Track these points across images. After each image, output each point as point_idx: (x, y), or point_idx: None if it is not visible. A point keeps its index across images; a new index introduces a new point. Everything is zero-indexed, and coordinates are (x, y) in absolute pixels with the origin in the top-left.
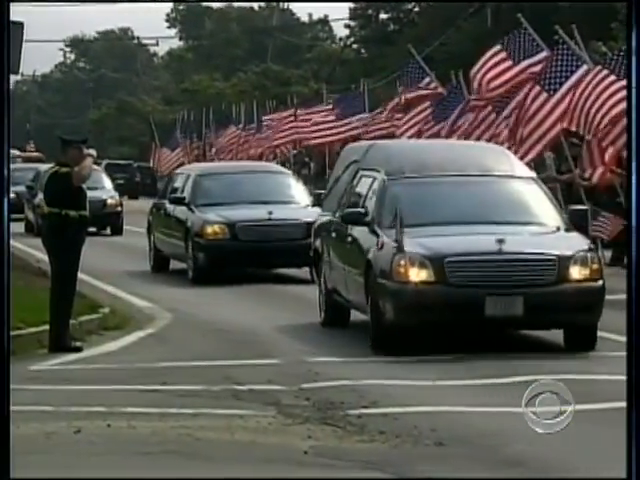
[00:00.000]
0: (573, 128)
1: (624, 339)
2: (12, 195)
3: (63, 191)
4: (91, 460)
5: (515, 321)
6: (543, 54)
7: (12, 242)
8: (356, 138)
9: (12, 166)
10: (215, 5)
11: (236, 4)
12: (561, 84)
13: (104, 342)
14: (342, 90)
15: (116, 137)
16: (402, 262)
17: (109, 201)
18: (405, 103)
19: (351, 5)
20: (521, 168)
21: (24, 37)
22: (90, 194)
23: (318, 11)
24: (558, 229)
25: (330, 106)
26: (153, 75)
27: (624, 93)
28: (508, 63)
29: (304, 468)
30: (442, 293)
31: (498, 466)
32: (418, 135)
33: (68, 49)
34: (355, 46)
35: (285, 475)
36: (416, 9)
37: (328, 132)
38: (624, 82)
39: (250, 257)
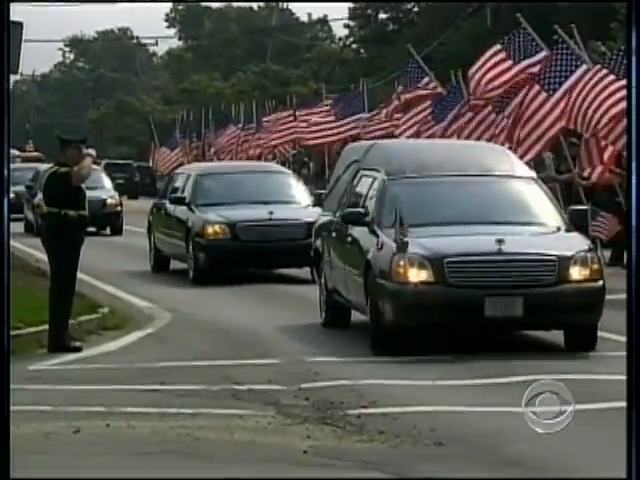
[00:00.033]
0: (571, 126)
1: (624, 339)
2: (11, 195)
3: (62, 191)
4: (90, 460)
5: (515, 322)
6: (542, 54)
7: (12, 242)
8: (355, 138)
9: (11, 166)
10: (214, 5)
11: (235, 4)
12: (560, 84)
13: (103, 342)
14: (341, 90)
15: (115, 137)
16: (401, 262)
17: (109, 201)
18: (404, 103)
19: (350, 5)
20: (522, 168)
21: (23, 37)
22: (90, 194)
23: (317, 11)
24: (558, 229)
25: (328, 106)
26: (152, 75)
27: (623, 93)
28: (507, 63)
29: (303, 468)
30: (441, 294)
31: (497, 466)
32: (417, 135)
33: (67, 49)
34: (354, 46)
35: (284, 475)
36: (415, 9)
37: (327, 132)
38: (623, 82)
39: (251, 257)
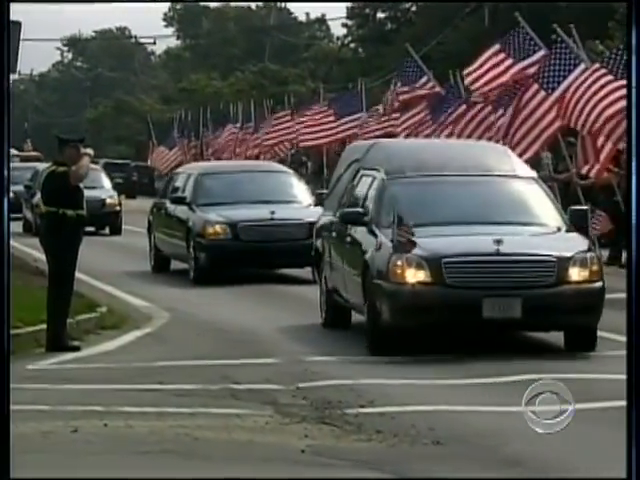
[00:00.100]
0: (567, 122)
1: (622, 338)
2: (10, 194)
3: (60, 190)
4: (88, 459)
5: (513, 323)
6: (541, 53)
7: (11, 241)
8: (353, 138)
9: (10, 165)
10: (212, 4)
11: (233, 3)
12: (559, 83)
13: (102, 341)
14: (339, 89)
15: (113, 136)
16: (399, 263)
17: (108, 200)
18: (403, 103)
19: (348, 4)
20: (523, 168)
21: (21, 36)
22: (89, 193)
23: (315, 10)
24: (559, 230)
25: (326, 106)
26: (150, 74)
27: (619, 93)
28: (507, 63)
29: (301, 467)
30: (439, 294)
31: (497, 466)
32: (416, 135)
33: (65, 48)
34: (352, 45)
35: (282, 474)
36: (413, 8)
37: (325, 133)
38: (620, 82)
39: (252, 257)
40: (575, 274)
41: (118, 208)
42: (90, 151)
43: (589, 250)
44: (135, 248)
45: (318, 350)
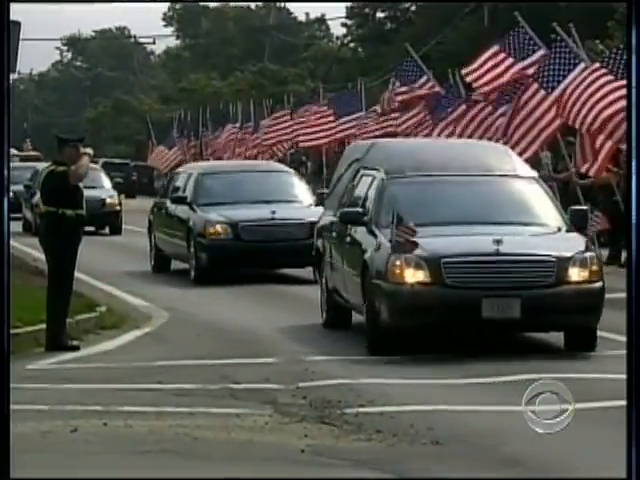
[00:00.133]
0: (565, 119)
1: (622, 338)
2: (10, 194)
3: (60, 190)
4: (88, 459)
5: (512, 323)
6: (540, 52)
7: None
8: (352, 138)
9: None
10: (212, 4)
11: (233, 3)
12: (559, 82)
13: (101, 341)
14: (339, 89)
15: (113, 136)
16: (398, 263)
17: (108, 200)
18: (402, 103)
19: (348, 4)
20: (523, 168)
21: (20, 36)
22: (89, 193)
23: (315, 10)
24: (559, 230)
25: (326, 106)
26: (150, 74)
27: (618, 94)
28: (507, 62)
29: (301, 467)
30: (438, 294)
31: (496, 465)
32: (415, 134)
33: (65, 48)
34: (352, 45)
35: (282, 474)
36: (413, 8)
37: (324, 133)
38: (619, 82)
39: (253, 257)
40: (575, 274)
41: (118, 208)
42: (89, 151)
43: (589, 250)
44: (135, 248)
45: (318, 350)
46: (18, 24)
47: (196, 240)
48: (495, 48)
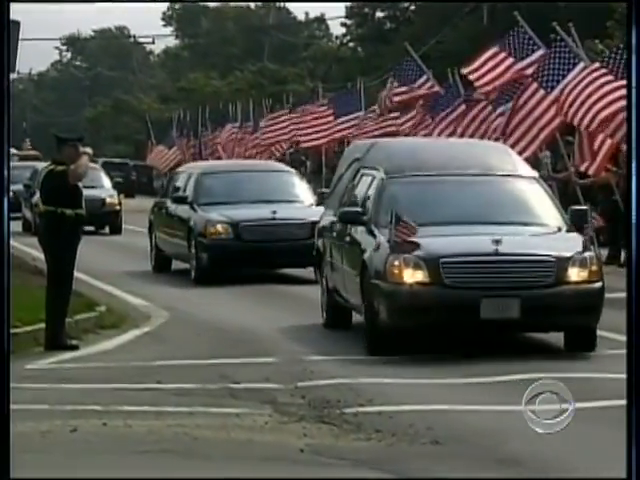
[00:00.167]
0: (563, 117)
1: (621, 337)
2: (10, 194)
3: (59, 189)
4: (87, 459)
5: (511, 324)
6: (540, 52)
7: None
8: (351, 138)
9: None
10: (211, 4)
11: (232, 3)
12: (558, 82)
13: (100, 341)
14: (338, 88)
15: (112, 135)
16: (396, 263)
17: (108, 200)
18: (401, 102)
19: (347, 4)
20: (524, 167)
21: (20, 35)
22: (89, 193)
23: (314, 10)
24: (559, 229)
25: (325, 106)
26: (149, 73)
27: (617, 94)
28: (507, 62)
29: (300, 466)
30: (437, 295)
31: (495, 465)
32: (415, 134)
33: (64, 47)
34: (351, 44)
35: (281, 473)
36: (412, 7)
37: (324, 133)
38: (618, 82)
39: (254, 257)
40: (574, 274)
41: (118, 207)
42: (89, 150)
43: (589, 250)
44: (135, 247)
45: (318, 350)
46: (18, 24)
47: (197, 240)
48: (495, 48)
